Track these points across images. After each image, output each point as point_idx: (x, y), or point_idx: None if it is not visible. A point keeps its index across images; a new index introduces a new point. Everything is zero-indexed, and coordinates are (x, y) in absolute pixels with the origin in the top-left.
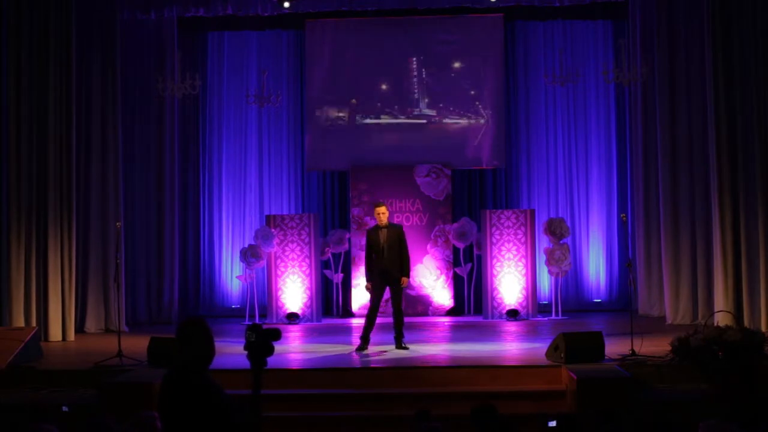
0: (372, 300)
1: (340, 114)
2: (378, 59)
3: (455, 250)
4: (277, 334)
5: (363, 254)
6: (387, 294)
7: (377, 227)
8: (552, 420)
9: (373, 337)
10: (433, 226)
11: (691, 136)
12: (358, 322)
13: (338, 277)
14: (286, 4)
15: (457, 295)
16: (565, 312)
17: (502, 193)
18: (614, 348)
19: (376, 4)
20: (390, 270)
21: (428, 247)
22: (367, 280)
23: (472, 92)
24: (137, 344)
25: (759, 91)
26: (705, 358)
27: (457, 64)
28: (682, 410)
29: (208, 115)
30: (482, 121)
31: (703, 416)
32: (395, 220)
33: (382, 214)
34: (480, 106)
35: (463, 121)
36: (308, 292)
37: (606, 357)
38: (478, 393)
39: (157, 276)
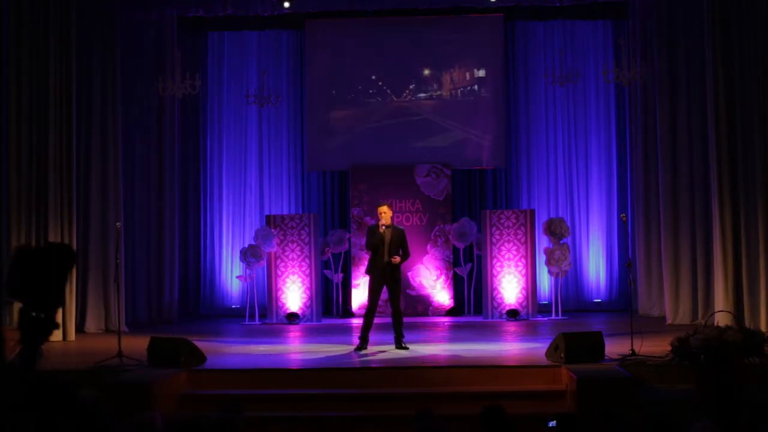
0: (369, 300)
1: (340, 114)
2: (378, 59)
3: (455, 250)
4: (68, 255)
5: (363, 254)
6: (385, 294)
7: (379, 225)
8: (552, 420)
9: (373, 337)
10: (433, 226)
11: (691, 136)
12: (358, 322)
13: (338, 277)
14: (286, 4)
15: (457, 295)
16: (565, 312)
17: (502, 193)
18: (614, 348)
19: (376, 4)
20: (391, 270)
21: (428, 247)
22: (368, 273)
23: (473, 92)
24: (137, 344)
25: (759, 91)
26: (694, 359)
27: (457, 64)
28: (682, 410)
29: (208, 115)
30: (482, 121)
31: (695, 416)
32: (395, 221)
33: (385, 213)
34: (480, 106)
35: (464, 121)
36: (308, 292)
37: (606, 357)
38: (478, 393)
39: (157, 276)
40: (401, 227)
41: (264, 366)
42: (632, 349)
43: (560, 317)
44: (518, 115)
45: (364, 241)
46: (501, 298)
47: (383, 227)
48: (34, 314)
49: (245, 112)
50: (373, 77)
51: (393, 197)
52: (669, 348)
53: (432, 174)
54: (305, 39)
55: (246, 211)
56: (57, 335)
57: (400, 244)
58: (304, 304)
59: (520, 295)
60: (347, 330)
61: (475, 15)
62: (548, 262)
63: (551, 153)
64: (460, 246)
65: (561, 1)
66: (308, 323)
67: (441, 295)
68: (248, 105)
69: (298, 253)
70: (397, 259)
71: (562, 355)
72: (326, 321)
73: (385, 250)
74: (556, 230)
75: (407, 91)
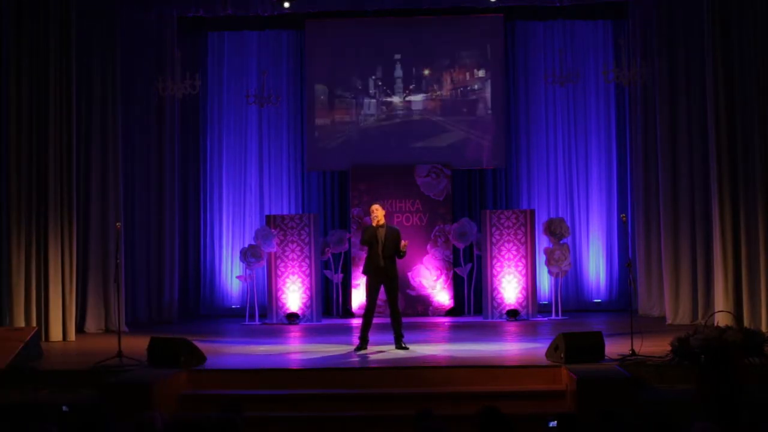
0: (368, 300)
1: (340, 114)
2: (378, 59)
3: (455, 251)
4: None
5: (363, 254)
6: (384, 294)
7: (375, 225)
8: (552, 420)
9: (373, 337)
10: (433, 226)
11: (691, 136)
12: (358, 322)
13: (338, 277)
14: (286, 4)
15: (457, 295)
16: (565, 312)
17: (502, 193)
18: (614, 348)
19: (376, 4)
20: (386, 269)
21: (428, 247)
22: (364, 273)
23: (473, 92)
24: (137, 344)
25: (759, 91)
26: (694, 359)
27: (457, 64)
28: (682, 410)
29: (208, 115)
30: (482, 121)
31: (695, 416)
32: (395, 221)
33: (376, 211)
34: (480, 106)
35: (463, 121)
36: (308, 292)
37: (606, 357)
38: (478, 393)
39: (157, 276)
40: (396, 227)
41: (264, 366)
42: (632, 349)
43: (560, 317)
44: (518, 115)
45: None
46: (501, 298)
47: (376, 222)
48: None
49: (245, 112)
50: (373, 77)
51: (393, 197)
52: (669, 348)
53: (432, 174)
54: (305, 39)
55: (246, 211)
56: (57, 335)
57: (394, 244)
58: (304, 304)
59: (520, 295)
60: (347, 330)
61: (475, 15)
62: (548, 262)
63: (551, 153)
64: (460, 246)
65: (561, 1)
66: (308, 323)
67: (441, 295)
68: (248, 105)
69: (298, 253)
70: (404, 244)
71: (562, 355)
72: (326, 321)
73: (380, 249)
74: (556, 230)
75: (407, 91)
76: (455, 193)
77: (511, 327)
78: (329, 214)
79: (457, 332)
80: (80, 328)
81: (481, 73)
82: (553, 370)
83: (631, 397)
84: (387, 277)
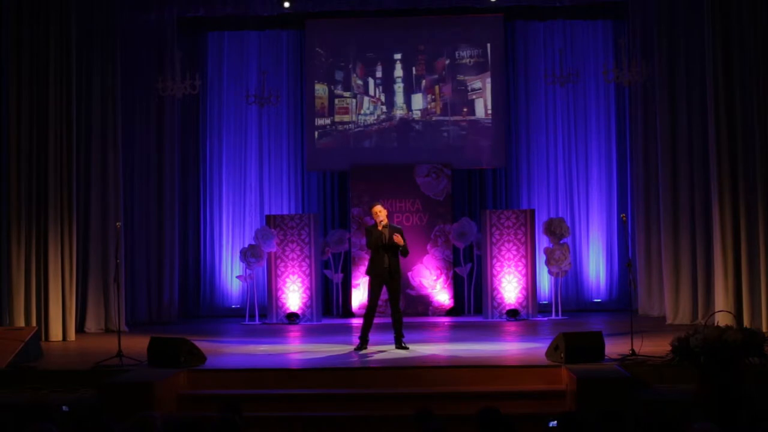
0: (369, 300)
1: (341, 114)
2: (378, 59)
3: (455, 250)
4: None
5: (363, 254)
6: (385, 294)
7: (377, 225)
8: (553, 420)
9: (373, 337)
10: (433, 226)
11: (691, 136)
12: (358, 322)
13: (338, 277)
14: (286, 4)
15: (457, 295)
16: (565, 312)
17: (502, 193)
18: (614, 348)
19: (376, 4)
20: (390, 269)
21: (428, 247)
22: (368, 273)
23: (473, 92)
24: (137, 344)
25: (759, 91)
26: (694, 359)
27: (457, 64)
28: (682, 410)
29: (208, 115)
30: (482, 121)
31: (695, 416)
32: (395, 220)
33: (380, 212)
34: (480, 106)
35: (464, 121)
36: (308, 292)
37: (606, 357)
38: (478, 393)
39: (157, 276)
40: (399, 226)
41: (264, 366)
42: (632, 349)
43: (560, 317)
44: (518, 115)
45: (364, 241)
46: (501, 298)
47: (381, 226)
48: None
49: (245, 112)
50: (373, 77)
51: (393, 197)
52: (669, 348)
53: (432, 174)
54: (305, 39)
55: (246, 211)
56: (57, 335)
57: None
58: (304, 304)
59: (520, 295)
60: (347, 330)
61: (475, 15)
62: (548, 262)
63: (551, 153)
64: (460, 246)
65: (561, 1)
66: (308, 323)
67: (441, 295)
68: (248, 105)
69: (298, 253)
70: (399, 238)
71: (562, 355)
72: (326, 321)
73: (383, 249)
74: (556, 230)
75: (407, 91)
76: (455, 193)
77: (511, 327)
78: (329, 214)
79: (457, 332)
80: (80, 328)
81: (481, 73)
82: (553, 370)
83: (631, 397)
84: (390, 278)
